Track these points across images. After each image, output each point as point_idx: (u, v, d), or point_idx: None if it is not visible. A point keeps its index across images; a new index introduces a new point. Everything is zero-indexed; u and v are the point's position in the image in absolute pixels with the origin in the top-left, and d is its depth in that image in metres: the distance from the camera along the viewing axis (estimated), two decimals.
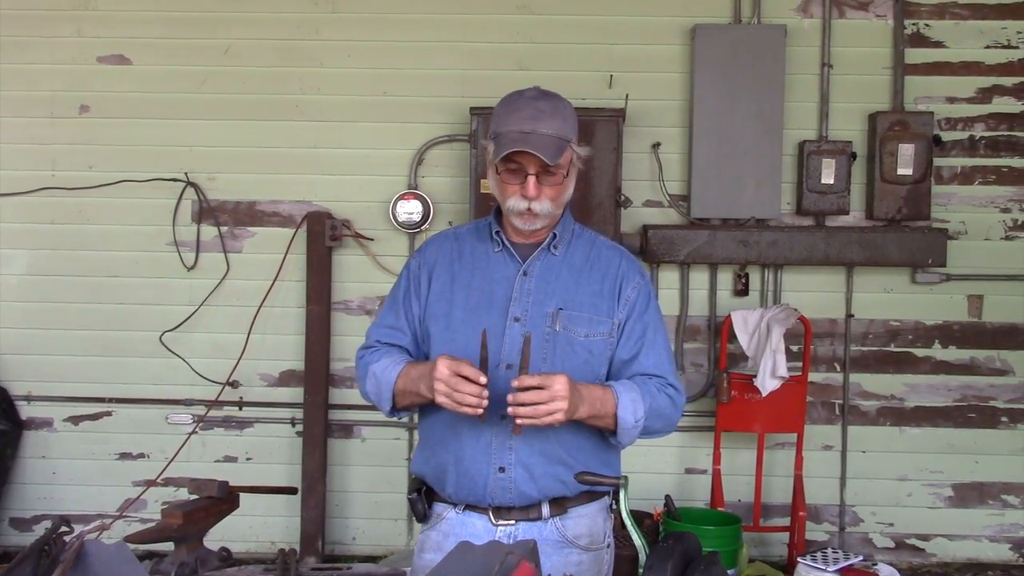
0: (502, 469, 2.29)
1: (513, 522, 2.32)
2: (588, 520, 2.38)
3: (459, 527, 2.34)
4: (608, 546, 2.44)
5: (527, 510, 2.32)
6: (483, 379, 2.13)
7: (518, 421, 2.12)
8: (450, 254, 2.43)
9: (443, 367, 2.14)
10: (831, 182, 4.89)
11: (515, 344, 2.28)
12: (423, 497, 2.42)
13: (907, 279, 5.03)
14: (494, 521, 2.33)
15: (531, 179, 2.27)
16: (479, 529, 2.32)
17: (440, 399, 2.16)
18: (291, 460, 5.05)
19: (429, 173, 5.04)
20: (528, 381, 2.11)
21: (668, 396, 2.34)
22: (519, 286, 2.35)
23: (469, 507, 2.35)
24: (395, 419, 2.54)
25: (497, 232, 2.40)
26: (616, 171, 4.75)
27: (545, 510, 2.32)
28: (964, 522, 5.09)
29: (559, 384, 2.12)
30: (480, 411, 2.14)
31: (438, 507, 2.41)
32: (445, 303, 2.37)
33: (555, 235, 2.39)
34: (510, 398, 2.11)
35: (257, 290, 5.01)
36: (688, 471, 5.10)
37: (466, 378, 2.13)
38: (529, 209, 2.29)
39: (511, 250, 2.39)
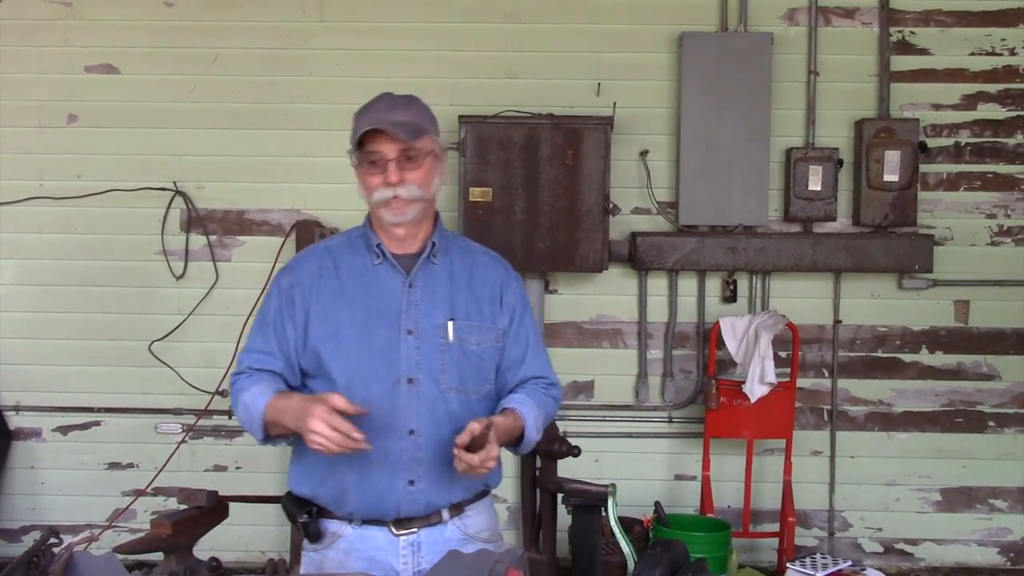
0: (411, 482, 2.30)
1: (415, 530, 2.34)
2: (484, 516, 2.45)
3: (359, 543, 2.35)
4: (501, 538, 2.53)
5: (428, 517, 2.35)
6: (363, 443, 2.13)
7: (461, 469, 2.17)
8: (325, 270, 2.38)
9: (321, 426, 2.09)
10: (818, 189, 4.91)
11: (411, 358, 2.30)
12: (314, 518, 2.38)
13: (894, 285, 5.06)
14: (395, 532, 2.33)
15: (391, 164, 2.28)
16: (381, 541, 2.33)
17: (314, 448, 2.13)
18: (281, 469, 5.04)
19: None
20: (467, 457, 2.14)
21: (552, 398, 2.48)
22: (407, 298, 2.34)
23: (367, 521, 2.35)
24: (270, 446, 2.46)
25: (378, 244, 2.38)
26: (604, 179, 4.77)
27: (445, 514, 2.36)
28: (952, 527, 5.11)
29: (495, 451, 2.18)
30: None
31: (332, 525, 2.38)
32: (331, 323, 2.33)
33: (434, 243, 2.39)
34: (458, 449, 2.14)
35: (246, 299, 4.99)
36: (677, 477, 5.11)
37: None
38: (396, 196, 2.29)
39: (393, 262, 2.37)
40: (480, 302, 2.39)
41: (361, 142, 2.28)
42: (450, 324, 2.33)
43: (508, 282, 2.45)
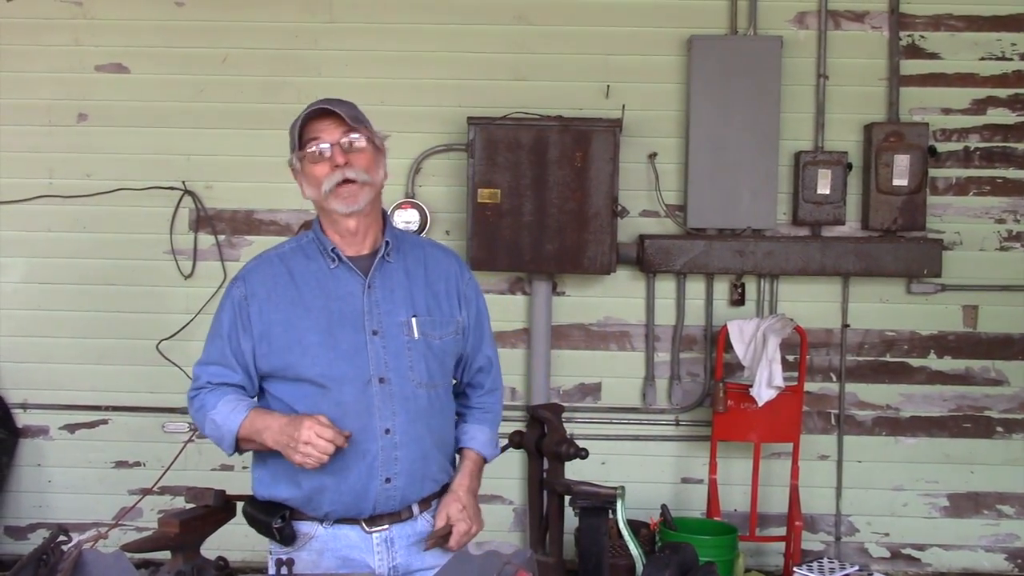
0: (388, 480, 2.32)
1: (387, 526, 2.37)
2: None
3: (332, 542, 2.37)
4: None
5: (399, 513, 2.38)
6: (342, 440, 2.23)
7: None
8: (279, 278, 2.37)
9: (314, 436, 2.19)
10: (827, 192, 4.90)
11: (379, 358, 2.31)
12: (288, 521, 2.38)
13: (902, 289, 5.04)
14: (367, 529, 2.36)
15: (335, 148, 2.31)
16: (354, 539, 2.36)
17: (301, 460, 2.23)
18: None
19: (426, 182, 5.05)
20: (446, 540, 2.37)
21: (499, 401, 2.64)
22: (368, 299, 2.35)
23: (340, 520, 2.36)
24: (238, 455, 2.53)
25: (333, 248, 2.37)
26: (613, 181, 4.77)
27: (415, 509, 2.40)
28: (959, 532, 5.09)
29: (477, 526, 2.42)
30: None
31: (304, 527, 2.39)
32: (294, 330, 2.32)
33: (388, 243, 2.40)
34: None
35: None
36: (684, 480, 5.11)
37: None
38: (346, 179, 2.30)
39: (349, 264, 2.37)
40: (438, 296, 2.43)
41: (302, 136, 2.34)
42: (413, 320, 2.36)
43: (462, 273, 2.51)
